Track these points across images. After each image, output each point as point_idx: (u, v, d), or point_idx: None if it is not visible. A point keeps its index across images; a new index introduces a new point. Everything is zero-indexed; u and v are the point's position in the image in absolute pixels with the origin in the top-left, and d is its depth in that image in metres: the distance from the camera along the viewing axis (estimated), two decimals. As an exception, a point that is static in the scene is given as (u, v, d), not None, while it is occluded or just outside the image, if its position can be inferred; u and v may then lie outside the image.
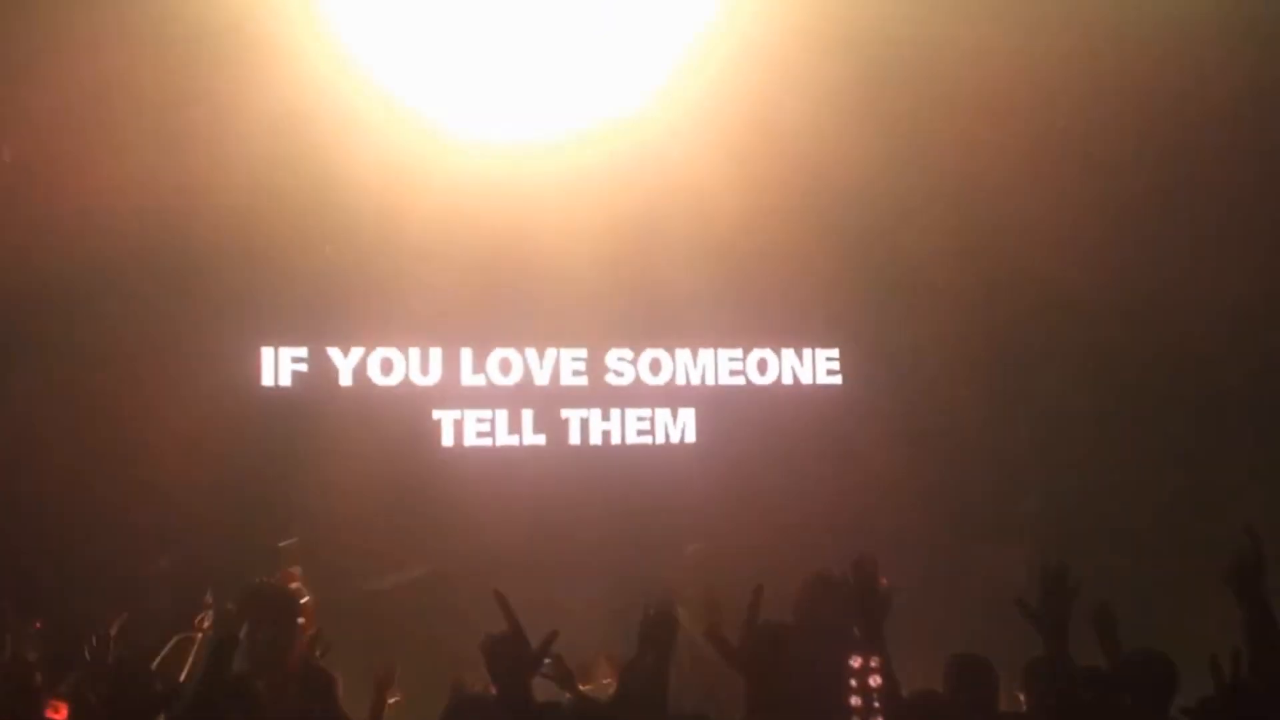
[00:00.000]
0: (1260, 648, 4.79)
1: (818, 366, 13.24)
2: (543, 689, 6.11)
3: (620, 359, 12.76)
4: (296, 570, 8.22)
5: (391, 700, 7.07)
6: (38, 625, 8.13)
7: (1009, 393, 13.24)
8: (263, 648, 6.50)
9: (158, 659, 7.37)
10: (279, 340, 11.80)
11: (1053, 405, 13.20)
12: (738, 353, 13.08)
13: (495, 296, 12.33)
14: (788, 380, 13.16)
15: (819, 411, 13.03)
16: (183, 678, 7.10)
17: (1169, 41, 11.52)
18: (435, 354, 12.24)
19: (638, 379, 12.79)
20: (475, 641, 6.01)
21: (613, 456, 12.61)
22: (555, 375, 12.57)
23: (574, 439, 12.56)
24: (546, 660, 5.98)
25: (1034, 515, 12.11)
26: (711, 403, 12.93)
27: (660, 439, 12.80)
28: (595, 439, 12.64)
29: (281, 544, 7.27)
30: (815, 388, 13.20)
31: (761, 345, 13.11)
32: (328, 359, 11.95)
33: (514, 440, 12.39)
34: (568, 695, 6.63)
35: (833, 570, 6.65)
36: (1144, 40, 11.56)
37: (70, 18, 10.29)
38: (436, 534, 11.02)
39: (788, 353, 13.17)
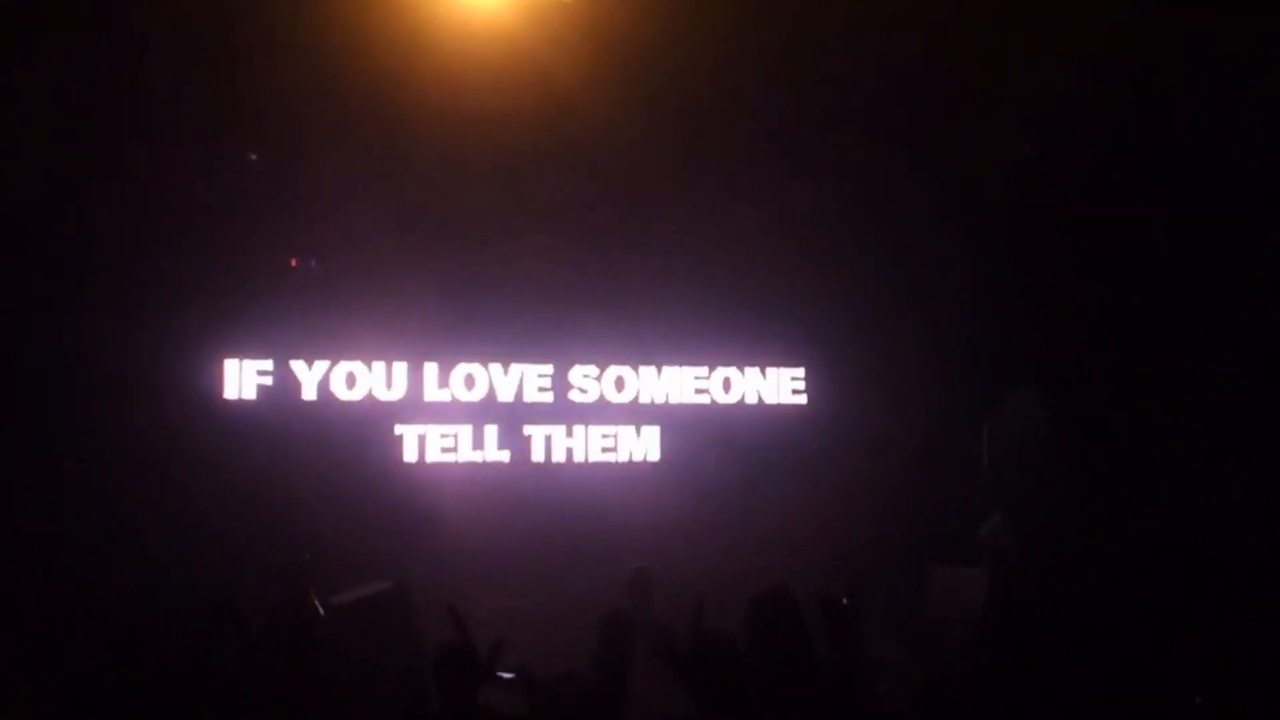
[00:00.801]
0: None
1: (782, 386, 13.29)
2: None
3: (585, 376, 12.76)
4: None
5: None
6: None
7: (973, 412, 13.30)
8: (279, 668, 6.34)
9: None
10: (243, 353, 11.76)
11: (1018, 424, 13.25)
12: (703, 371, 13.11)
13: (460, 311, 12.32)
14: (752, 399, 13.20)
15: (783, 430, 13.07)
16: None
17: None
18: (399, 368, 12.22)
19: (602, 396, 12.80)
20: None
21: (576, 474, 12.61)
22: (519, 391, 12.57)
23: (538, 456, 12.56)
24: (508, 675, 5.97)
25: (996, 534, 12.13)
26: (676, 421, 12.94)
27: (624, 457, 12.81)
28: (559, 456, 12.63)
29: (306, 557, 7.19)
30: (779, 407, 13.24)
31: (726, 364, 13.14)
32: (291, 372, 11.91)
33: (477, 456, 12.38)
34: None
35: (785, 586, 6.64)
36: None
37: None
38: (399, 549, 10.98)
39: (752, 371, 13.20)
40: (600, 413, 12.79)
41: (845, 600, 5.64)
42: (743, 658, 6.08)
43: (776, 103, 11.90)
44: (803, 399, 13.30)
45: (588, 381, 12.78)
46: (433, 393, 12.31)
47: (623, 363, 12.85)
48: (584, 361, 12.76)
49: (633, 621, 8.23)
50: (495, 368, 12.50)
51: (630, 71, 11.21)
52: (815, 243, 12.83)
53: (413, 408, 12.24)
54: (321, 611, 7.04)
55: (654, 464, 12.86)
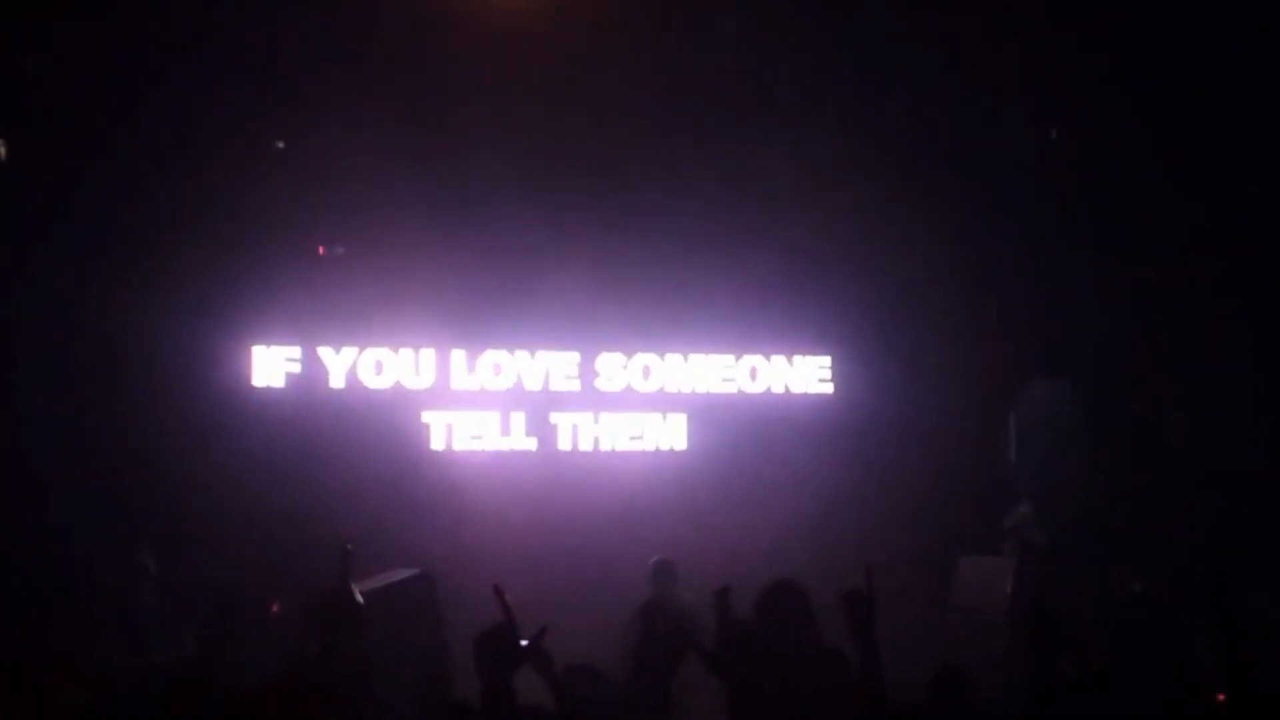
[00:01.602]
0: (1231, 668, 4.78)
1: (809, 374, 13.25)
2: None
3: (612, 364, 12.74)
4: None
5: None
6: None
7: (1000, 402, 13.29)
8: (315, 657, 6.33)
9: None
10: (271, 340, 11.79)
11: (1044, 414, 13.24)
12: (729, 359, 13.08)
13: (488, 299, 12.32)
14: (779, 388, 13.17)
15: (810, 419, 13.03)
16: None
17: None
18: (427, 356, 12.23)
19: (629, 385, 12.78)
20: (461, 643, 6.02)
21: (603, 462, 12.60)
22: (547, 379, 12.56)
23: (564, 444, 12.56)
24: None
25: (1022, 524, 12.13)
26: (702, 410, 12.92)
27: (651, 445, 12.79)
28: (586, 444, 12.62)
29: (349, 547, 7.19)
30: (806, 396, 13.21)
31: (753, 352, 13.11)
32: (319, 360, 11.94)
33: (504, 444, 12.38)
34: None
35: (793, 579, 6.65)
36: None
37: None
38: (425, 537, 11.01)
39: (779, 360, 13.17)
40: (627, 401, 12.77)
41: (865, 591, 5.64)
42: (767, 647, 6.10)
43: (808, 89, 11.90)
44: (829, 388, 13.26)
45: (614, 370, 12.76)
46: (460, 380, 12.32)
47: (649, 351, 12.83)
48: (611, 350, 12.74)
49: (660, 612, 8.26)
50: (522, 355, 12.50)
51: (657, 55, 11.22)
52: (843, 232, 12.79)
53: (440, 395, 12.25)
54: (361, 600, 7.06)
55: (680, 453, 12.84)
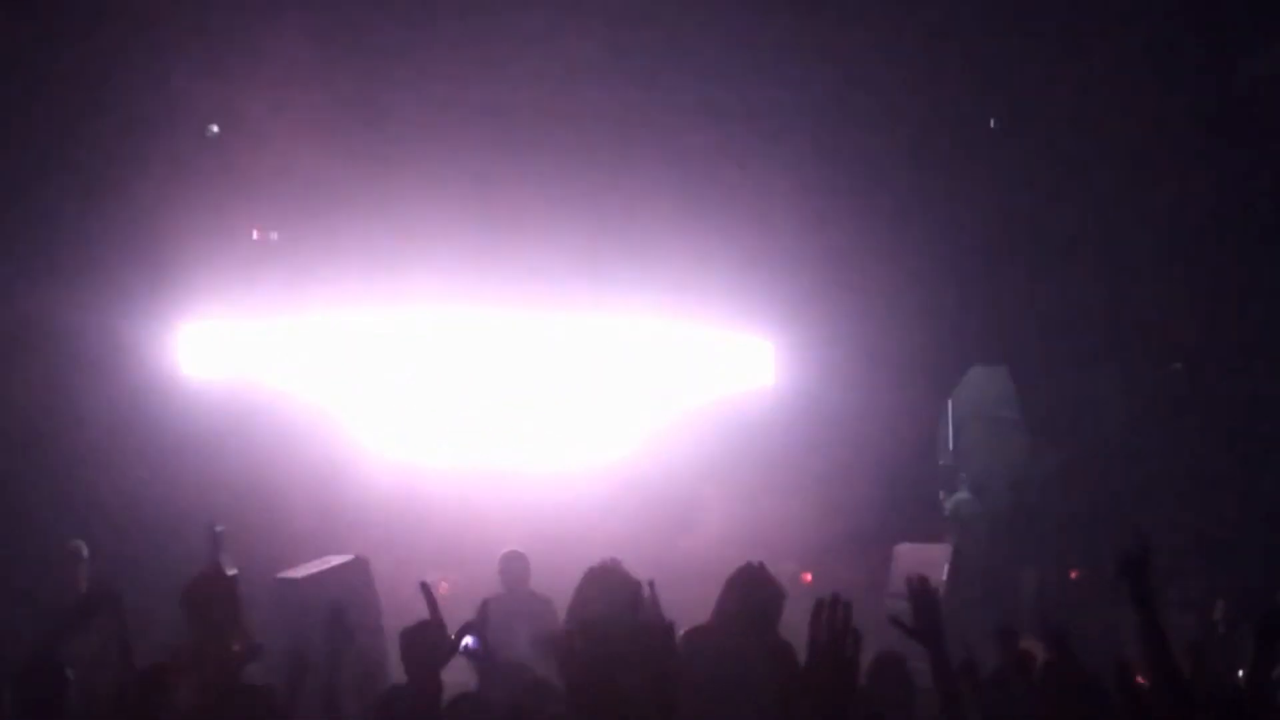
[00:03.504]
0: (1149, 647, 4.79)
1: (749, 364, 13.23)
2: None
3: (550, 362, 12.64)
4: None
5: None
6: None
7: (938, 390, 13.36)
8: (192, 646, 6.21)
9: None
10: (201, 325, 11.67)
11: (981, 402, 13.33)
12: (668, 352, 13.02)
13: (422, 291, 12.21)
14: (720, 380, 13.13)
15: (750, 408, 13.00)
16: None
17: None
18: (360, 345, 12.13)
19: (565, 378, 12.69)
20: (394, 629, 6.00)
21: (540, 461, 12.51)
22: (482, 376, 12.46)
23: (501, 441, 12.46)
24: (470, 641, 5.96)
25: (960, 508, 12.23)
26: (642, 407, 12.86)
27: (590, 443, 12.70)
28: (524, 441, 12.54)
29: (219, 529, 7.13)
30: (746, 384, 13.19)
31: (693, 343, 13.07)
32: (251, 347, 11.83)
33: (439, 441, 12.30)
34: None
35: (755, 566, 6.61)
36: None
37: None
38: (357, 524, 10.91)
39: (721, 350, 13.14)
40: (566, 400, 12.69)
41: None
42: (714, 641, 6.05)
43: (759, 75, 11.91)
44: (770, 377, 13.25)
45: (552, 369, 12.64)
46: (392, 373, 12.22)
47: (590, 346, 12.76)
48: (548, 346, 12.65)
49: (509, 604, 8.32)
50: (459, 351, 12.39)
51: (598, 29, 11.21)
52: (784, 222, 12.79)
53: (374, 385, 12.17)
54: (234, 573, 6.97)
55: (620, 454, 12.75)
